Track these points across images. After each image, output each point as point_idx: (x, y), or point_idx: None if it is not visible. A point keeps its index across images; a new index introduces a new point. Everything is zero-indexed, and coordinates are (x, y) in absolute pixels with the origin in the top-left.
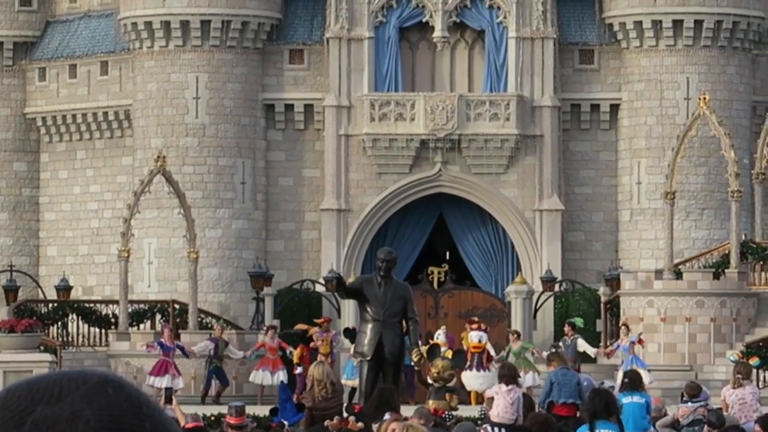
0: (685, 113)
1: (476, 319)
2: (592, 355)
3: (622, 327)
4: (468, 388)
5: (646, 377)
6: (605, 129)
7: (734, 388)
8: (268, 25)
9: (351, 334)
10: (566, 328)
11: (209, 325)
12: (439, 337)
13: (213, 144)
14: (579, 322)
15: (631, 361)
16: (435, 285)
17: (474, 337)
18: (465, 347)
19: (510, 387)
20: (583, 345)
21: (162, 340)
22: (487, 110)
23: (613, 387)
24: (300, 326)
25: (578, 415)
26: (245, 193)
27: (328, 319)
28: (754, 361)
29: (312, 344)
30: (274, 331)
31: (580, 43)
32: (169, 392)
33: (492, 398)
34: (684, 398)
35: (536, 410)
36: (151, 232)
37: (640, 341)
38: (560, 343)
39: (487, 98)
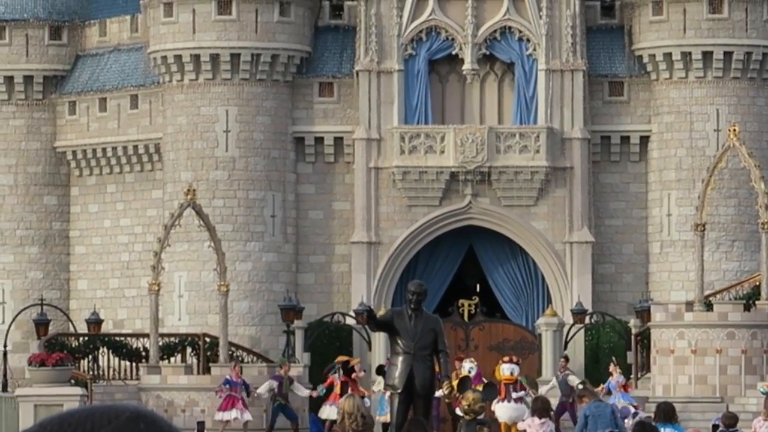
0: (715, 145)
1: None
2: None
3: (612, 365)
4: (500, 420)
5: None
6: (635, 161)
7: (766, 419)
8: (297, 58)
9: (383, 370)
10: (561, 362)
11: (240, 359)
12: (465, 368)
13: (243, 177)
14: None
15: (618, 397)
16: (465, 317)
17: (506, 369)
18: (497, 380)
19: (543, 420)
20: (573, 381)
21: (228, 376)
22: (517, 142)
23: (649, 417)
24: (341, 358)
25: None
26: (275, 226)
27: None
28: None
29: (354, 375)
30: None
31: (610, 75)
32: (201, 427)
33: (525, 431)
34: (720, 428)
35: None
36: (182, 265)
37: (626, 387)
38: (553, 378)
39: (517, 130)
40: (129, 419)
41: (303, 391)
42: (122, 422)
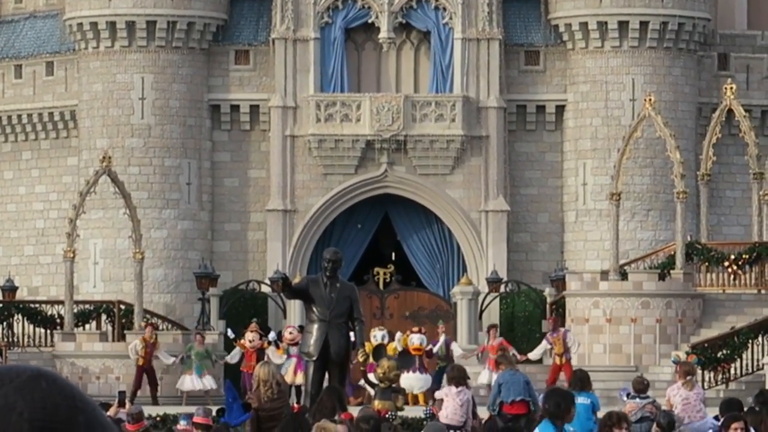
0: (631, 114)
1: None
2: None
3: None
4: (407, 390)
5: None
6: (551, 130)
7: (689, 389)
8: (213, 26)
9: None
10: (439, 328)
11: (156, 326)
12: (377, 336)
13: (158, 145)
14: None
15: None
16: (381, 285)
17: (415, 339)
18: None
19: (460, 389)
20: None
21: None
22: (433, 111)
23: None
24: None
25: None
26: (191, 193)
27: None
28: (692, 359)
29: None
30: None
31: (526, 45)
32: (122, 396)
33: (441, 400)
34: (631, 394)
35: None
36: (97, 232)
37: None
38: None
39: (433, 99)
40: (30, 378)
41: (169, 359)
42: (24, 380)
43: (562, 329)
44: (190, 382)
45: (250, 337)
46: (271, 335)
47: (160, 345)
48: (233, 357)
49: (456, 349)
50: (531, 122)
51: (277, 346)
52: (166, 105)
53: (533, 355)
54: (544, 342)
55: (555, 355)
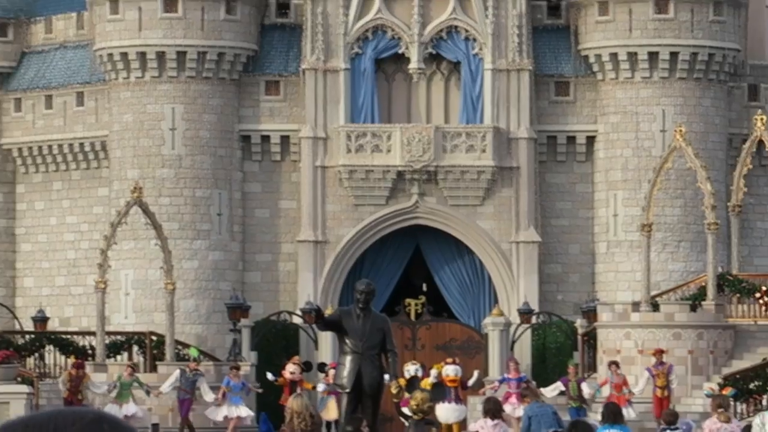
0: (661, 145)
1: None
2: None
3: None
4: (442, 421)
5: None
6: (581, 161)
7: (727, 422)
8: (244, 57)
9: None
10: (570, 369)
11: (186, 357)
12: (410, 370)
13: (189, 175)
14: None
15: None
16: (412, 317)
17: (450, 370)
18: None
19: (495, 422)
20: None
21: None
22: (464, 142)
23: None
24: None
25: None
26: (222, 224)
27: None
28: (728, 391)
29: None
30: None
31: (556, 75)
32: (156, 428)
33: None
34: (662, 426)
35: None
36: (128, 263)
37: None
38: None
39: (464, 130)
40: (93, 421)
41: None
42: (86, 424)
43: (667, 363)
44: (111, 409)
45: (291, 368)
46: None
47: (90, 377)
48: (165, 388)
49: (586, 389)
50: (561, 153)
51: None
52: (197, 135)
53: (638, 390)
54: (646, 374)
55: (657, 388)
